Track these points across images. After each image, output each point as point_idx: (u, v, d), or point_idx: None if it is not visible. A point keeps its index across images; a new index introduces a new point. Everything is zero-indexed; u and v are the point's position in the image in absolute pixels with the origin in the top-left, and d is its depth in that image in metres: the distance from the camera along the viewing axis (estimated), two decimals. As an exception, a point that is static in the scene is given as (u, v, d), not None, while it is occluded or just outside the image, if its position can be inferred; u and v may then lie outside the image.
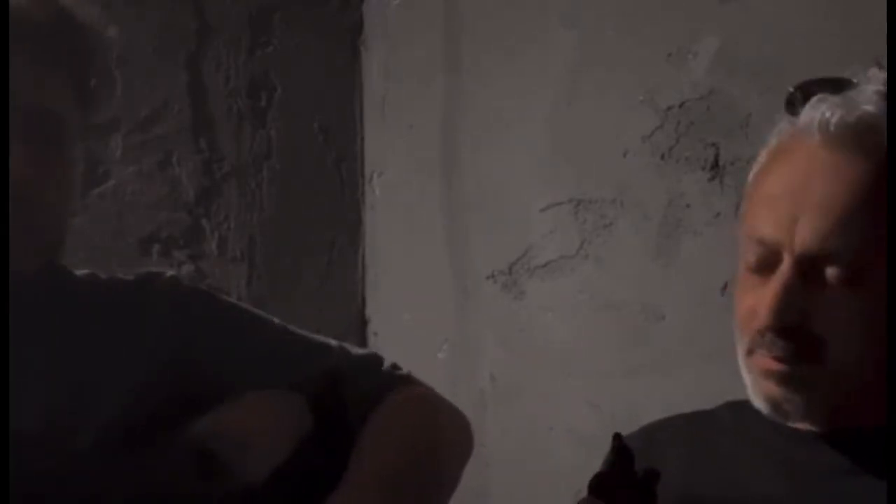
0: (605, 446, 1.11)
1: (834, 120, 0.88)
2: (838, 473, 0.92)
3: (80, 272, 1.08)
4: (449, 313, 2.03)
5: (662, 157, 1.68)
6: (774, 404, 0.92)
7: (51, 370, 0.99)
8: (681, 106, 1.65)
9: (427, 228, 2.08)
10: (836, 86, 0.91)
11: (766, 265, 0.90)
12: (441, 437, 1.09)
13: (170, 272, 1.11)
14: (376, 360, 1.12)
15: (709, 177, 1.61)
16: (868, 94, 0.90)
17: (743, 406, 1.05)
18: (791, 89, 0.95)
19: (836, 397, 0.90)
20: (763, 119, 1.52)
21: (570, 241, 1.81)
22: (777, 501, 0.95)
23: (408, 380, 1.12)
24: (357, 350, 1.13)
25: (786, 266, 0.88)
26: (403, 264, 2.15)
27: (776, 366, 0.90)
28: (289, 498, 1.02)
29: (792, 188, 0.89)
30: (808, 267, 0.87)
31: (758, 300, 0.90)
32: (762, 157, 0.97)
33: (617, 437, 0.84)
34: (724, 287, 1.58)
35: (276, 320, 1.12)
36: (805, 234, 0.87)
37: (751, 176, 0.98)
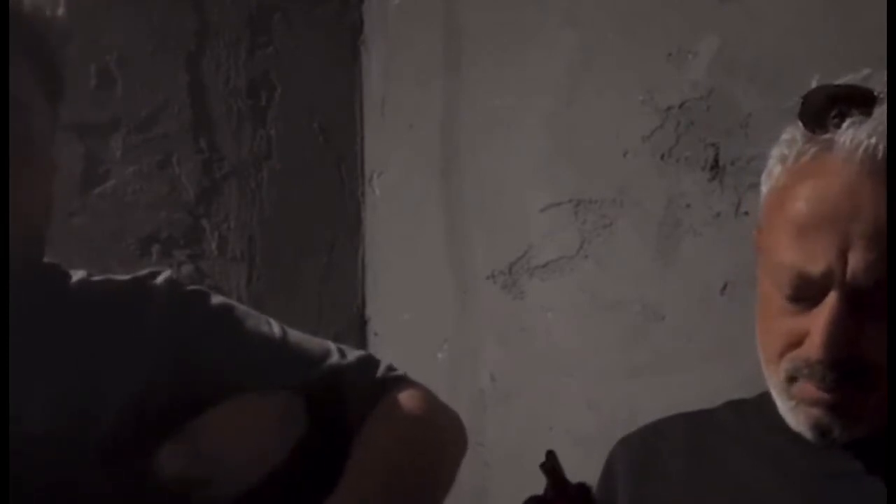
0: (605, 447, 1.11)
1: (881, 148, 0.85)
2: (839, 476, 0.92)
3: (75, 273, 1.07)
4: (449, 313, 2.03)
5: (662, 157, 1.68)
6: (821, 430, 0.90)
7: (52, 372, 0.98)
8: (681, 106, 1.65)
9: (427, 228, 2.08)
10: (861, 100, 0.88)
11: (807, 295, 0.88)
12: (438, 438, 1.10)
13: (167, 272, 1.10)
14: (372, 361, 1.13)
15: (709, 177, 1.61)
16: None
17: (743, 406, 1.05)
18: (805, 99, 0.91)
19: (882, 419, 0.90)
20: (763, 119, 1.52)
21: (570, 241, 1.81)
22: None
23: (403, 381, 1.12)
24: (353, 351, 1.13)
25: (836, 299, 0.86)
26: (403, 264, 2.15)
27: (826, 396, 0.88)
28: (286, 499, 1.03)
29: (836, 218, 0.86)
30: (855, 297, 0.86)
31: (799, 328, 0.89)
32: (780, 173, 0.94)
33: (550, 454, 0.84)
34: (724, 287, 1.58)
35: (274, 321, 1.12)
36: (857, 268, 0.85)
37: (768, 192, 0.95)
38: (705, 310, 1.60)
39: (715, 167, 1.61)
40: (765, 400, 0.99)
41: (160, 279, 1.08)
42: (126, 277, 1.09)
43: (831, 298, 0.86)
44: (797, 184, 0.90)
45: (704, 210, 1.62)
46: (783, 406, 0.93)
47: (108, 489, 0.95)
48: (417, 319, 2.10)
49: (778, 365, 0.92)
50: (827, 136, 0.88)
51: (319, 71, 2.20)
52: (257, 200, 2.12)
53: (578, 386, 1.78)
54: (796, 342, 0.90)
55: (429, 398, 1.12)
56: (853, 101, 0.88)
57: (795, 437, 0.94)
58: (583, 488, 0.83)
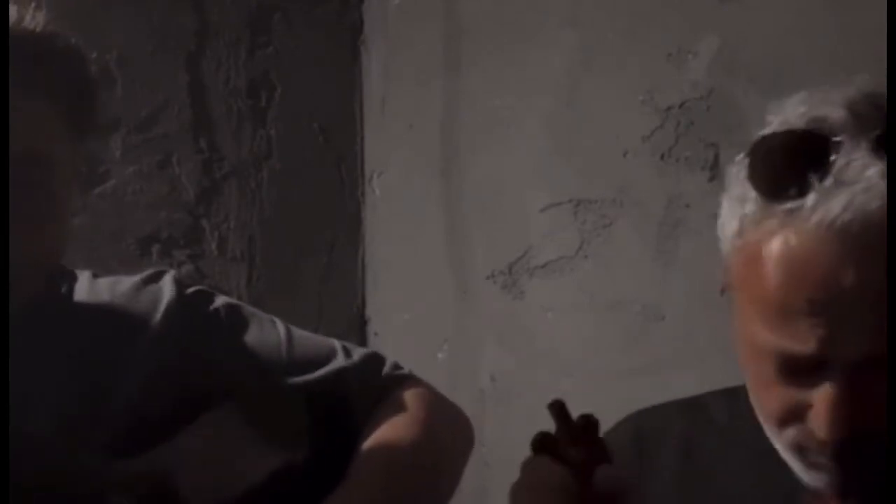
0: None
1: (858, 223, 0.78)
2: None
3: (81, 273, 1.08)
4: (449, 313, 2.03)
5: (662, 157, 1.68)
6: (840, 494, 0.87)
7: (59, 372, 0.98)
8: (681, 106, 1.65)
9: (427, 228, 2.08)
10: (819, 150, 0.80)
11: (797, 372, 0.83)
12: (444, 434, 1.10)
13: (171, 272, 1.10)
14: (378, 359, 1.13)
15: (709, 177, 1.61)
16: (870, 177, 0.78)
17: (736, 398, 1.02)
18: (752, 156, 0.85)
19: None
20: (763, 119, 1.52)
21: (570, 241, 1.81)
22: None
23: (409, 379, 1.12)
24: (359, 350, 1.13)
25: (835, 383, 0.81)
26: (403, 264, 2.15)
27: (840, 467, 0.84)
28: (293, 496, 1.03)
29: (820, 302, 0.80)
30: (855, 373, 0.81)
31: (798, 402, 0.85)
32: (737, 231, 0.86)
33: (556, 403, 0.82)
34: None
35: (279, 321, 1.12)
36: (853, 349, 0.80)
37: (730, 249, 0.88)
38: (705, 310, 1.60)
39: (715, 167, 1.61)
40: None
41: (165, 279, 1.08)
42: (131, 277, 1.09)
43: (830, 380, 0.82)
44: (763, 255, 0.83)
45: (704, 210, 1.62)
46: (793, 464, 0.88)
47: (111, 488, 0.95)
48: (417, 319, 2.10)
49: (780, 432, 0.88)
50: (789, 205, 0.81)
51: (319, 71, 2.20)
52: (257, 200, 2.11)
53: (578, 386, 1.78)
54: (798, 415, 0.85)
55: (434, 397, 1.12)
56: (810, 153, 0.81)
57: None
58: (589, 422, 0.81)
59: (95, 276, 1.08)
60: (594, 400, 1.80)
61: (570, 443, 0.81)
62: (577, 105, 1.82)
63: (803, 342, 0.82)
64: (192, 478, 0.98)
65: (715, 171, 1.61)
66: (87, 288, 1.06)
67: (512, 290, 1.91)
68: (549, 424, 0.85)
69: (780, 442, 0.89)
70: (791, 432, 0.87)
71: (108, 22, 1.96)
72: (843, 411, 0.82)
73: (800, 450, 0.87)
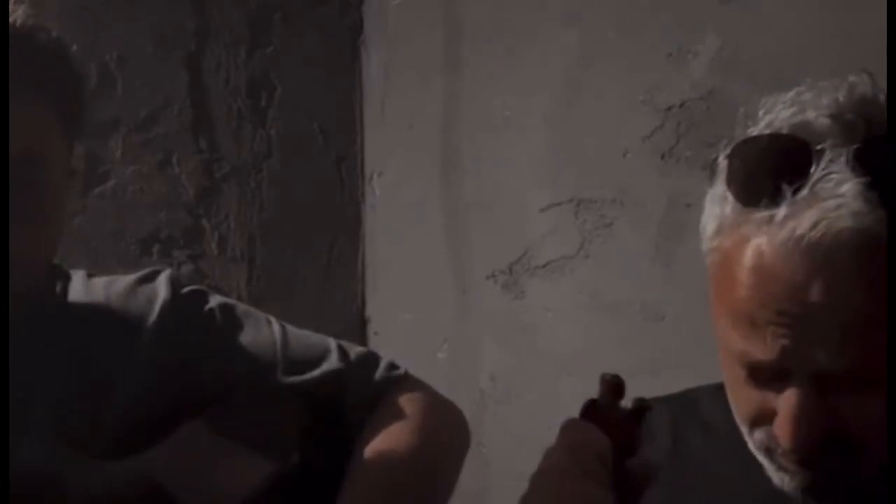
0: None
1: (828, 240, 0.76)
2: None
3: (75, 273, 1.07)
4: (449, 313, 2.03)
5: (662, 157, 1.68)
6: (814, 495, 0.86)
7: (53, 373, 0.98)
8: (681, 106, 1.65)
9: (427, 228, 2.08)
10: (800, 158, 0.79)
11: (764, 377, 0.83)
12: (440, 436, 1.10)
13: (167, 270, 1.10)
14: (374, 359, 1.13)
15: (709, 176, 1.61)
16: (843, 194, 0.76)
17: (723, 392, 1.02)
18: (731, 159, 0.84)
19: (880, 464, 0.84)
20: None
21: (570, 241, 1.81)
22: None
23: (406, 379, 1.12)
24: (355, 348, 1.12)
25: (798, 391, 0.80)
26: (403, 264, 2.15)
27: (809, 472, 0.84)
28: (289, 498, 1.03)
29: (786, 313, 0.78)
30: (822, 382, 0.80)
31: (766, 405, 0.84)
32: (714, 232, 0.88)
33: (613, 375, 0.83)
34: (724, 287, 1.58)
35: (275, 320, 1.12)
36: (822, 361, 0.79)
37: (708, 248, 0.90)
38: (705, 310, 1.60)
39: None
40: None
41: (160, 279, 1.08)
42: (126, 277, 1.09)
43: (792, 388, 0.81)
44: (736, 260, 0.83)
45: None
46: (765, 464, 0.88)
47: (110, 489, 0.95)
48: (417, 319, 2.10)
49: (751, 433, 0.87)
50: (763, 213, 0.79)
51: (319, 71, 2.21)
52: (257, 200, 2.12)
53: (578, 386, 1.77)
54: (766, 418, 0.85)
55: (429, 398, 1.12)
56: (790, 160, 0.79)
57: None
58: (641, 407, 0.82)
59: (90, 275, 1.08)
60: (594, 400, 1.80)
61: (615, 417, 0.82)
62: (577, 105, 1.82)
63: (768, 351, 0.81)
64: (186, 482, 0.98)
65: (715, 171, 1.61)
66: (81, 288, 1.06)
67: (512, 290, 1.91)
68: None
69: (752, 443, 0.89)
70: (760, 434, 0.87)
71: (108, 22, 1.96)
72: (804, 419, 0.81)
73: (768, 452, 0.87)
